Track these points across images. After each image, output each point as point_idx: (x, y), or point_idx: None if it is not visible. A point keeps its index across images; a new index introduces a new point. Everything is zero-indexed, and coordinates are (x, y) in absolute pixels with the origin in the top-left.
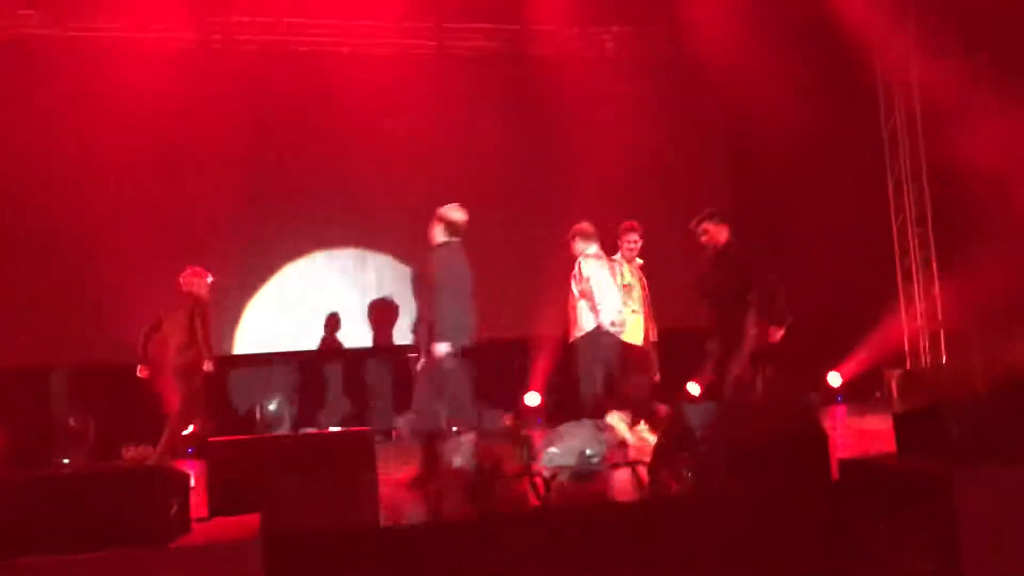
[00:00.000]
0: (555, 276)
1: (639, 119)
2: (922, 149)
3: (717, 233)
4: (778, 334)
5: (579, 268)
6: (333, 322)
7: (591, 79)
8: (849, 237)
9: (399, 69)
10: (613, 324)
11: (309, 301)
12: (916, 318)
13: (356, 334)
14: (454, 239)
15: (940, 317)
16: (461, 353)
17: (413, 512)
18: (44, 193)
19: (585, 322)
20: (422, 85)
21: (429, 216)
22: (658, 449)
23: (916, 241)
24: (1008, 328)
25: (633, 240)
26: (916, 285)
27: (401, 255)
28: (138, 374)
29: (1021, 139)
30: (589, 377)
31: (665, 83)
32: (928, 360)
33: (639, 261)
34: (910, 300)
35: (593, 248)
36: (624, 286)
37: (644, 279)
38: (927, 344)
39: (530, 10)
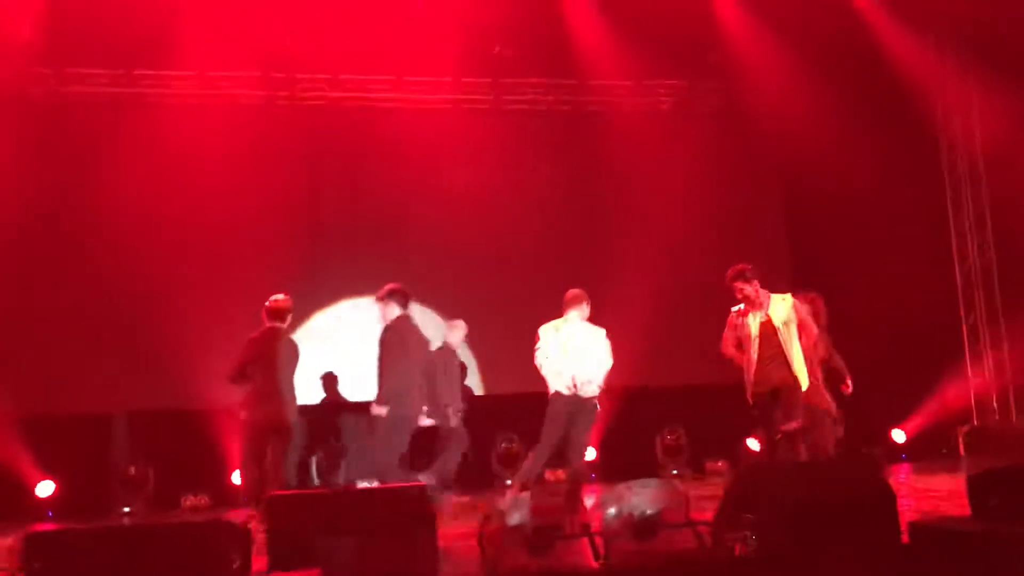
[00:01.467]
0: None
1: (694, 170)
2: (985, 196)
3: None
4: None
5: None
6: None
7: (646, 132)
8: (910, 288)
9: (456, 123)
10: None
11: (360, 351)
12: (983, 373)
13: None
14: (405, 312)
15: (1009, 372)
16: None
17: (472, 569)
18: (110, 244)
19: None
20: (479, 139)
21: (482, 269)
22: (721, 509)
23: (982, 292)
24: None
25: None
26: (983, 338)
27: (448, 310)
28: None
29: None
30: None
31: (719, 134)
32: (997, 416)
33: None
34: (976, 354)
35: (574, 314)
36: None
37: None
38: (996, 400)
39: (585, 65)
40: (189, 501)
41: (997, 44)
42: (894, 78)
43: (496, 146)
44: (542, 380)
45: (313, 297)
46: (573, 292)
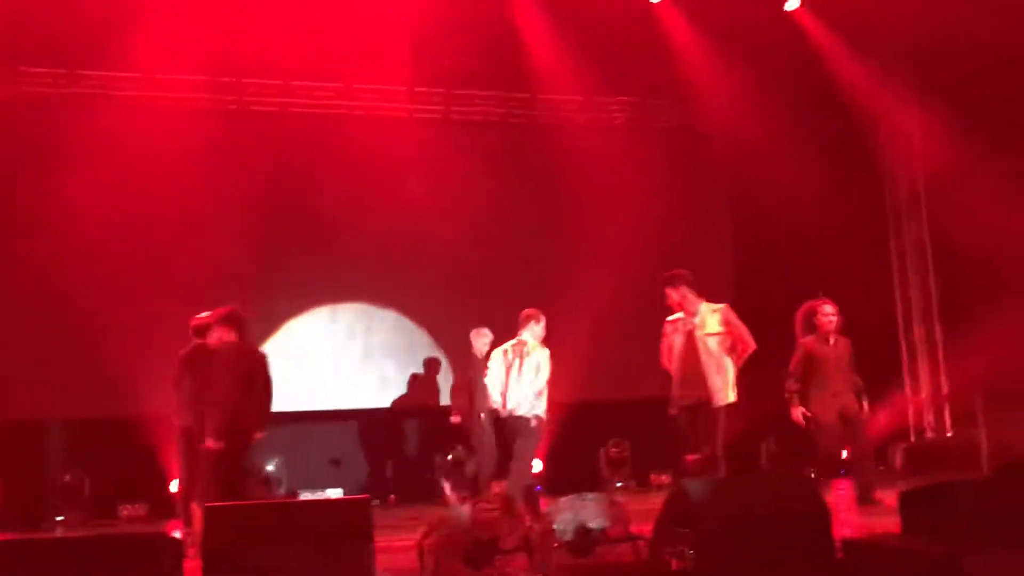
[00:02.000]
0: (559, 341)
1: (644, 186)
2: (925, 220)
3: None
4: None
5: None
6: (333, 381)
7: (597, 147)
8: (852, 307)
9: (409, 132)
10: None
11: (311, 358)
12: (921, 391)
13: (354, 394)
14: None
15: (945, 390)
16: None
17: None
18: (46, 248)
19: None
20: (431, 149)
21: (435, 275)
22: (659, 523)
23: (921, 313)
24: (1013, 400)
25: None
26: (921, 357)
27: (406, 312)
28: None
29: (1020, 212)
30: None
31: (670, 151)
32: (933, 434)
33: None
34: (915, 373)
35: (525, 334)
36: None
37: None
38: (932, 417)
39: (538, 79)
40: (126, 510)
41: (940, 72)
42: (841, 101)
43: (447, 157)
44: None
45: (259, 305)
46: (525, 312)
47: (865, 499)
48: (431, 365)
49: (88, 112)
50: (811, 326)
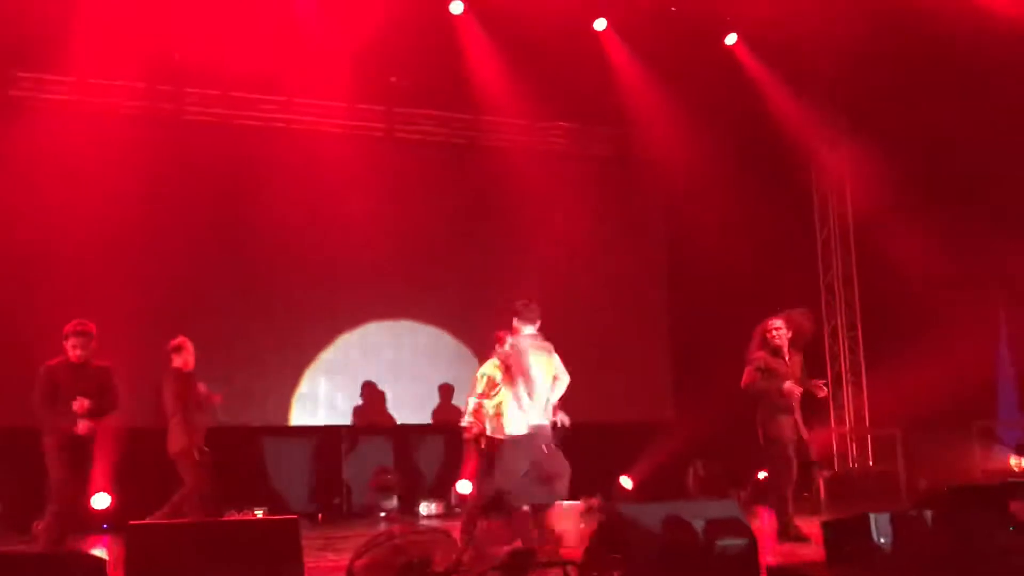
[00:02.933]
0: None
1: (582, 212)
2: (854, 256)
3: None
4: None
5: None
6: (261, 395)
7: (537, 171)
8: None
9: (348, 149)
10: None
11: (239, 372)
12: (845, 421)
13: (283, 410)
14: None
15: (867, 422)
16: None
17: None
18: None
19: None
20: (373, 165)
21: (371, 290)
22: (590, 548)
23: (846, 345)
24: (933, 433)
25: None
26: (845, 389)
27: (329, 333)
28: None
29: (946, 250)
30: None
31: (609, 179)
32: (856, 463)
33: None
34: (839, 404)
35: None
36: None
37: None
38: (855, 448)
39: (481, 101)
40: (41, 526)
41: (871, 113)
42: (776, 136)
43: (388, 174)
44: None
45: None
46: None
47: (787, 531)
48: (367, 382)
49: (20, 115)
50: (766, 342)
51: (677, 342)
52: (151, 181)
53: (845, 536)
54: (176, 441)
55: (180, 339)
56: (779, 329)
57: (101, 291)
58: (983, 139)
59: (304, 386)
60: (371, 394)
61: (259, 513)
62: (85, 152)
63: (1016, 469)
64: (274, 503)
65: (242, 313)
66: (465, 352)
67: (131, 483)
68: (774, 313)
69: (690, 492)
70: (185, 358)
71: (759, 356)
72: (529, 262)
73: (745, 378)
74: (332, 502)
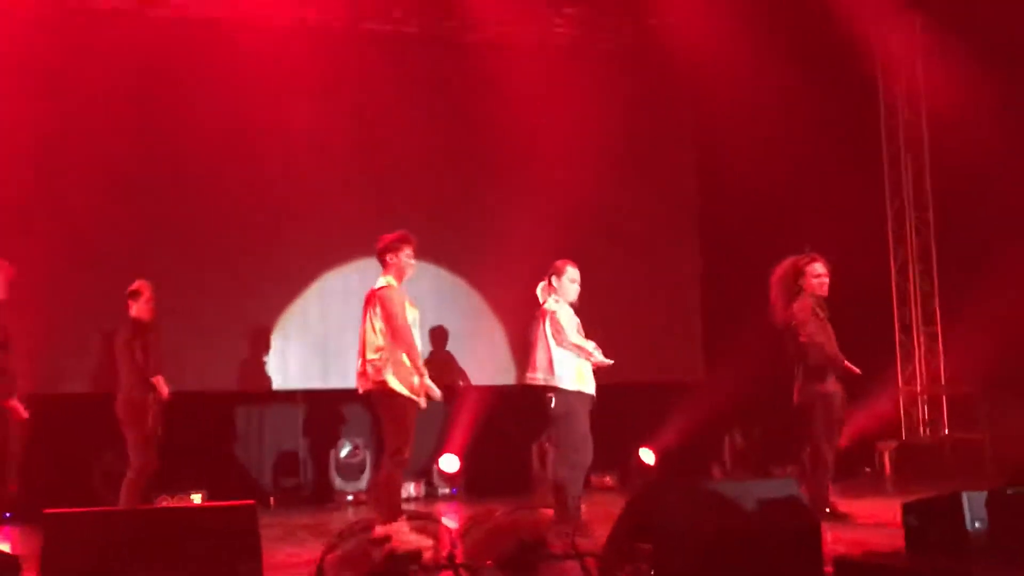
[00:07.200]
0: (487, 299)
1: (591, 122)
2: (928, 173)
3: None
4: None
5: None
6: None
7: (538, 67)
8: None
9: (301, 44)
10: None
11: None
12: (915, 380)
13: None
14: None
15: (943, 379)
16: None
17: None
18: None
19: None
20: (333, 66)
21: (330, 225)
22: (612, 537)
23: (918, 286)
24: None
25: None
26: (916, 338)
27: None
28: None
29: None
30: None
31: (625, 73)
32: (927, 431)
33: None
34: (908, 358)
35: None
36: None
37: None
38: (926, 412)
39: None
40: None
41: None
42: (831, 21)
43: (351, 78)
44: None
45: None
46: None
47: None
48: (329, 336)
49: None
50: (794, 290)
51: (708, 285)
52: (59, 82)
53: (931, 520)
54: (130, 408)
55: (138, 283)
56: (822, 275)
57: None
58: None
59: (251, 342)
60: (335, 351)
61: (196, 498)
62: None
63: None
64: (214, 486)
65: (170, 254)
66: (457, 289)
67: (43, 462)
68: (822, 243)
69: (726, 467)
70: (143, 306)
71: (808, 308)
72: (526, 185)
73: (807, 335)
74: (288, 483)
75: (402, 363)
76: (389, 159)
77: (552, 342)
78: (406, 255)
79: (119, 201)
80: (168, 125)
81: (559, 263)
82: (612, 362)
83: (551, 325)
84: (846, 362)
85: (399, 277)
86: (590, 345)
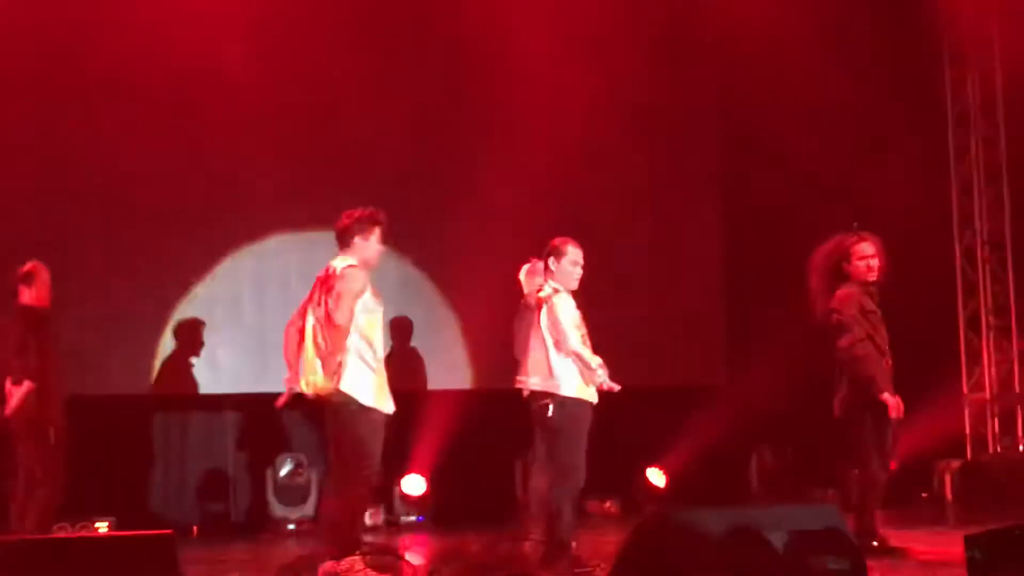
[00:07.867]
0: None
1: (603, 80)
2: (1003, 138)
3: None
4: None
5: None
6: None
7: (531, 14)
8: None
9: None
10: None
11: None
12: (983, 386)
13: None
14: None
15: (1017, 386)
16: None
17: None
18: None
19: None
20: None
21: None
22: (618, 569)
23: (988, 271)
24: None
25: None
26: (985, 336)
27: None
28: None
29: None
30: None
31: (641, 34)
32: (997, 448)
33: None
34: (975, 359)
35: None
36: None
37: None
38: (996, 425)
39: None
40: None
41: None
42: None
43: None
44: None
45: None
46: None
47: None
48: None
49: None
50: (838, 276)
51: (732, 269)
52: None
53: (999, 555)
54: (25, 412)
55: (31, 264)
56: (870, 257)
57: None
58: None
59: (171, 336)
60: (275, 347)
61: (102, 527)
62: None
63: None
64: (124, 513)
65: (71, 228)
66: (421, 279)
67: None
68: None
69: (752, 491)
70: (39, 291)
71: (853, 299)
72: (522, 148)
73: (848, 341)
74: (213, 509)
75: (366, 362)
76: (349, 120)
77: (550, 339)
78: (376, 238)
79: (5, 162)
80: (81, 78)
81: (558, 242)
82: (619, 388)
83: (548, 318)
84: (885, 394)
85: (365, 265)
86: (595, 361)
